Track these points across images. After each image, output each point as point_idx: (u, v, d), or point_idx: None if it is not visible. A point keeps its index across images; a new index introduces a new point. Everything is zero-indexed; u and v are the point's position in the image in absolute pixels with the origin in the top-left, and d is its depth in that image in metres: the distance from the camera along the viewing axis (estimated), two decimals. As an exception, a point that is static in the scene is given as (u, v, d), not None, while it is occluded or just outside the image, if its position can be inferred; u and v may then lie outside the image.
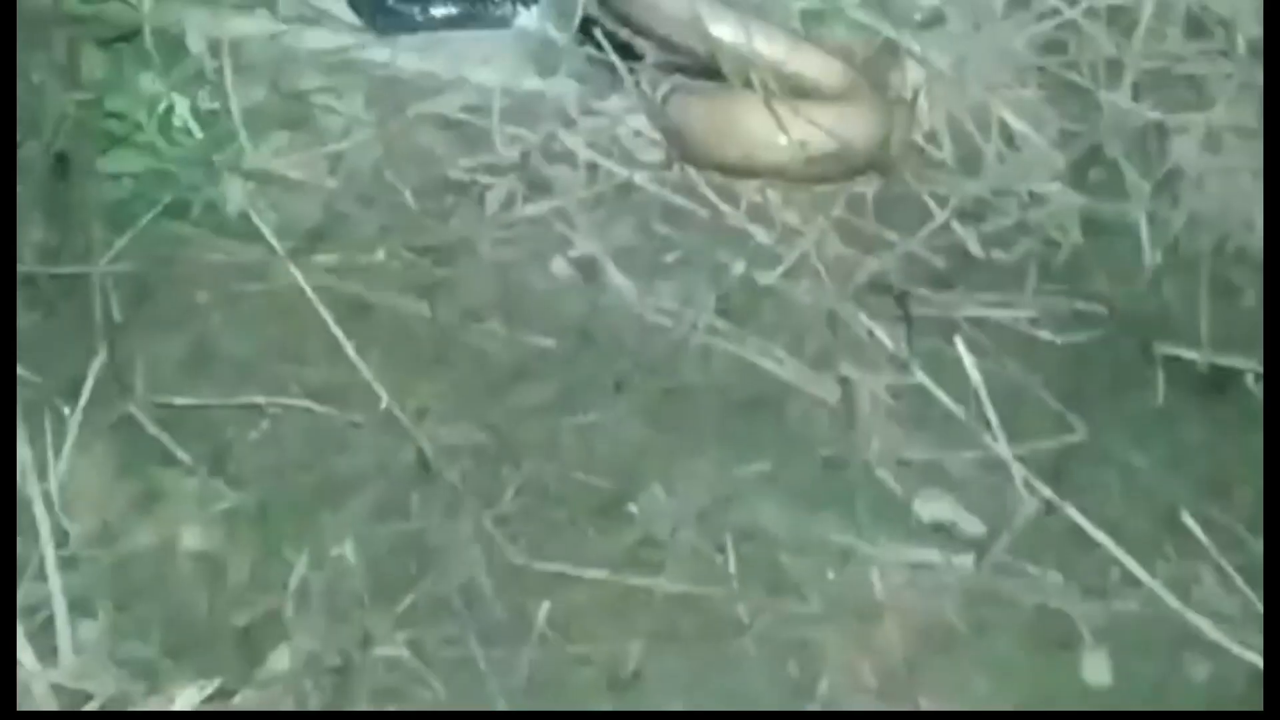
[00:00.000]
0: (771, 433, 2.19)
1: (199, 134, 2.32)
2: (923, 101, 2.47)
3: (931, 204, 2.40)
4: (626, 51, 2.48)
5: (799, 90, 2.45)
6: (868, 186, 2.45)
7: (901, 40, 2.49)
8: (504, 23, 2.57)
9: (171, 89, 2.32)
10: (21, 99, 2.34)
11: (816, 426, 2.21)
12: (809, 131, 2.39)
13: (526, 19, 2.55)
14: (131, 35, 2.32)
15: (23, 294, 2.17)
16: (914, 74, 2.49)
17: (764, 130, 2.40)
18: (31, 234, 2.30)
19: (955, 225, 2.40)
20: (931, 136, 2.47)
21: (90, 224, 2.30)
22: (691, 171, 2.43)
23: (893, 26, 2.51)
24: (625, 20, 2.52)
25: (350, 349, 2.14)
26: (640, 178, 2.43)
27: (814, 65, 2.50)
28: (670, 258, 2.36)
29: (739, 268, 2.33)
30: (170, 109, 2.32)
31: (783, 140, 2.39)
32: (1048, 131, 2.49)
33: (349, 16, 2.52)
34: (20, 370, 2.07)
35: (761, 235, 2.38)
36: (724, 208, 2.40)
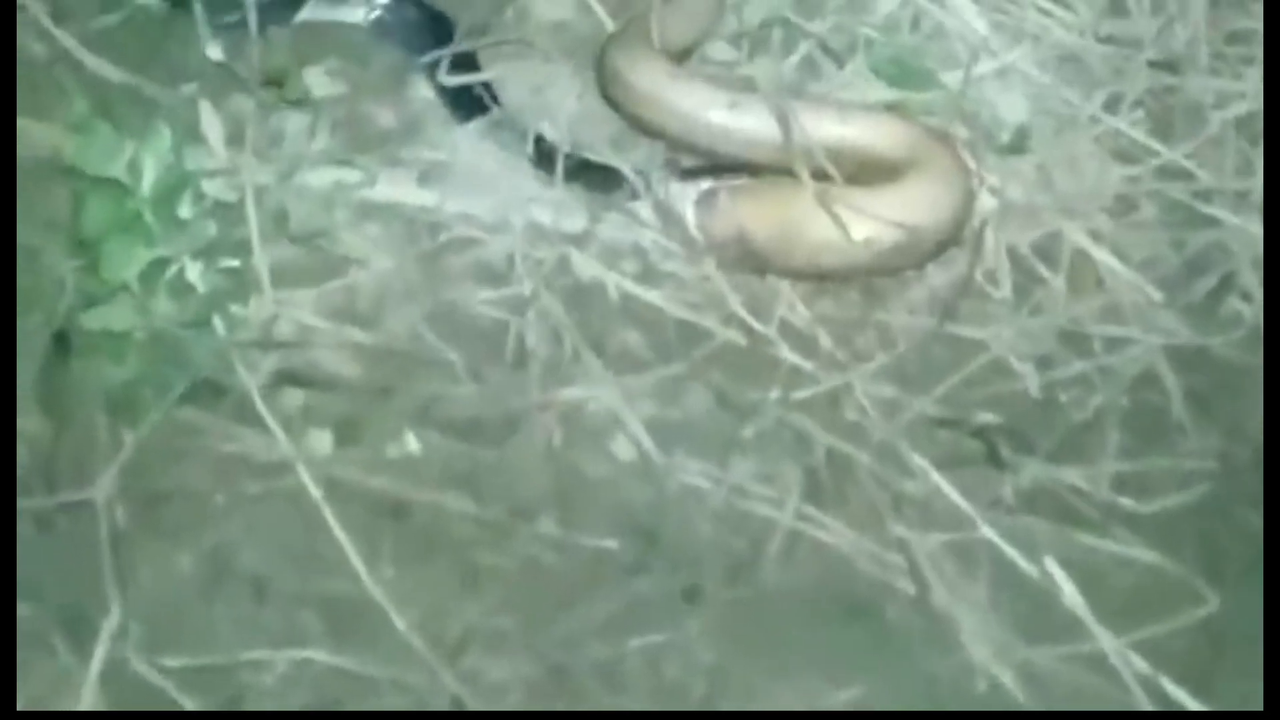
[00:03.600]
0: (868, 644, 1.91)
1: (207, 294, 2.00)
2: (989, 236, 2.13)
3: (990, 345, 2.12)
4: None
5: (862, 163, 2.16)
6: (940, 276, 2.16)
7: (979, 167, 2.14)
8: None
9: (179, 248, 1.99)
10: (19, 266, 2.08)
11: (916, 629, 1.93)
12: (874, 228, 2.09)
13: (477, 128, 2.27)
14: (135, 187, 2.00)
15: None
16: (985, 202, 2.15)
17: (825, 232, 2.12)
18: (28, 424, 2.02)
19: (1017, 367, 2.11)
20: (991, 276, 2.13)
21: (92, 414, 2.01)
22: (723, 284, 2.14)
23: (972, 152, 2.19)
24: (637, 123, 2.24)
25: (368, 581, 1.84)
26: (678, 307, 2.16)
27: (874, 134, 2.21)
28: (748, 431, 2.04)
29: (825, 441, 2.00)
30: (180, 271, 2.01)
31: (846, 242, 2.09)
32: (1143, 262, 2.18)
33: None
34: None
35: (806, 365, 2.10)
36: (759, 327, 2.14)
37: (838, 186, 2.14)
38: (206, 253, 2.03)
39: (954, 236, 2.14)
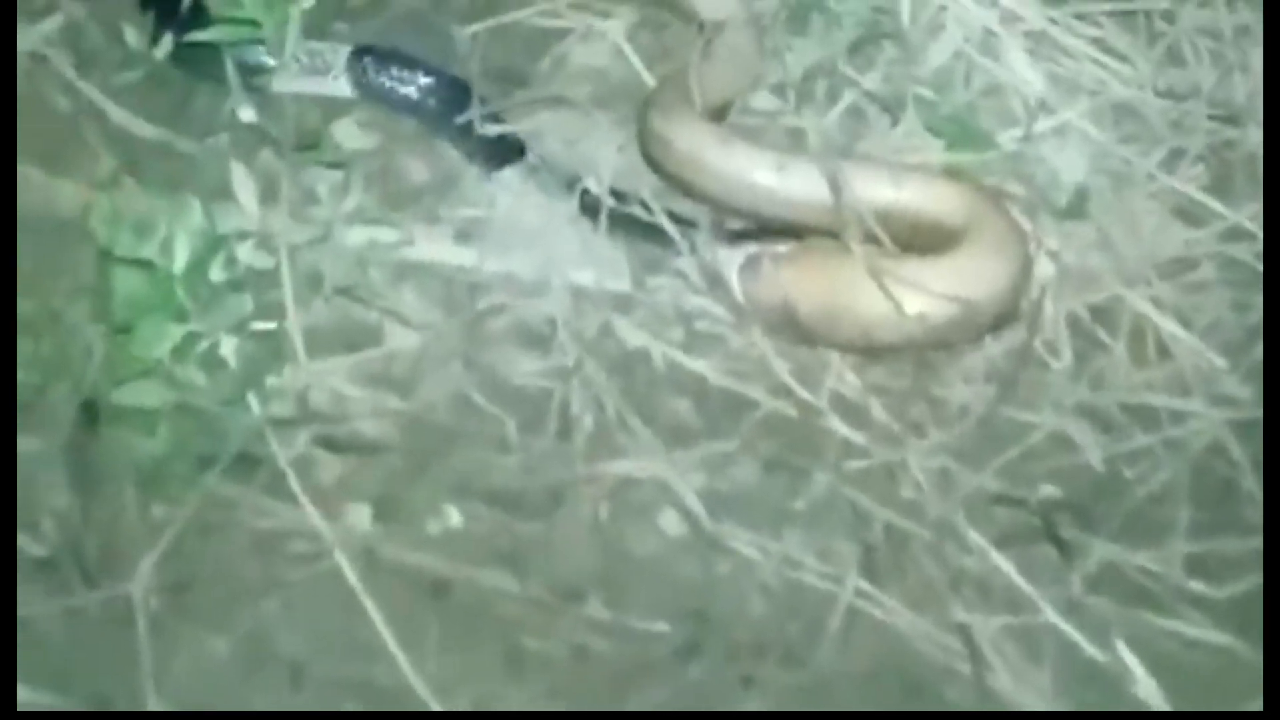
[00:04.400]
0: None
1: (240, 367, 1.92)
2: (1048, 304, 2.05)
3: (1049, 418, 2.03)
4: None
5: (915, 227, 2.08)
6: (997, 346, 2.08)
7: (1037, 231, 2.07)
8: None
9: (213, 324, 1.91)
10: (46, 329, 2.03)
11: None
12: (928, 301, 2.01)
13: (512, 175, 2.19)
14: (167, 265, 1.92)
15: (43, 582, 1.88)
16: (1043, 268, 2.07)
17: (875, 305, 2.03)
18: (54, 499, 1.96)
19: (1078, 440, 2.03)
20: (1050, 345, 2.05)
21: (122, 488, 1.94)
22: (770, 352, 2.06)
23: (1029, 215, 2.11)
24: (681, 186, 2.16)
25: (408, 668, 1.78)
26: (724, 376, 2.08)
27: (928, 198, 2.12)
28: (800, 503, 1.97)
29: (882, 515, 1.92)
30: (215, 345, 1.93)
31: (899, 316, 2.00)
32: (1205, 327, 2.12)
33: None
34: (35, 692, 1.74)
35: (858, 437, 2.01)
36: (808, 398, 2.06)
37: (889, 256, 2.05)
38: (240, 326, 1.93)
39: (1012, 310, 2.05)
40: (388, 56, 2.28)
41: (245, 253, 1.95)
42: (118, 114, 2.25)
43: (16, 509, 1.86)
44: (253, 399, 1.94)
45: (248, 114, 2.05)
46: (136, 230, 1.90)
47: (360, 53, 2.27)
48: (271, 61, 2.06)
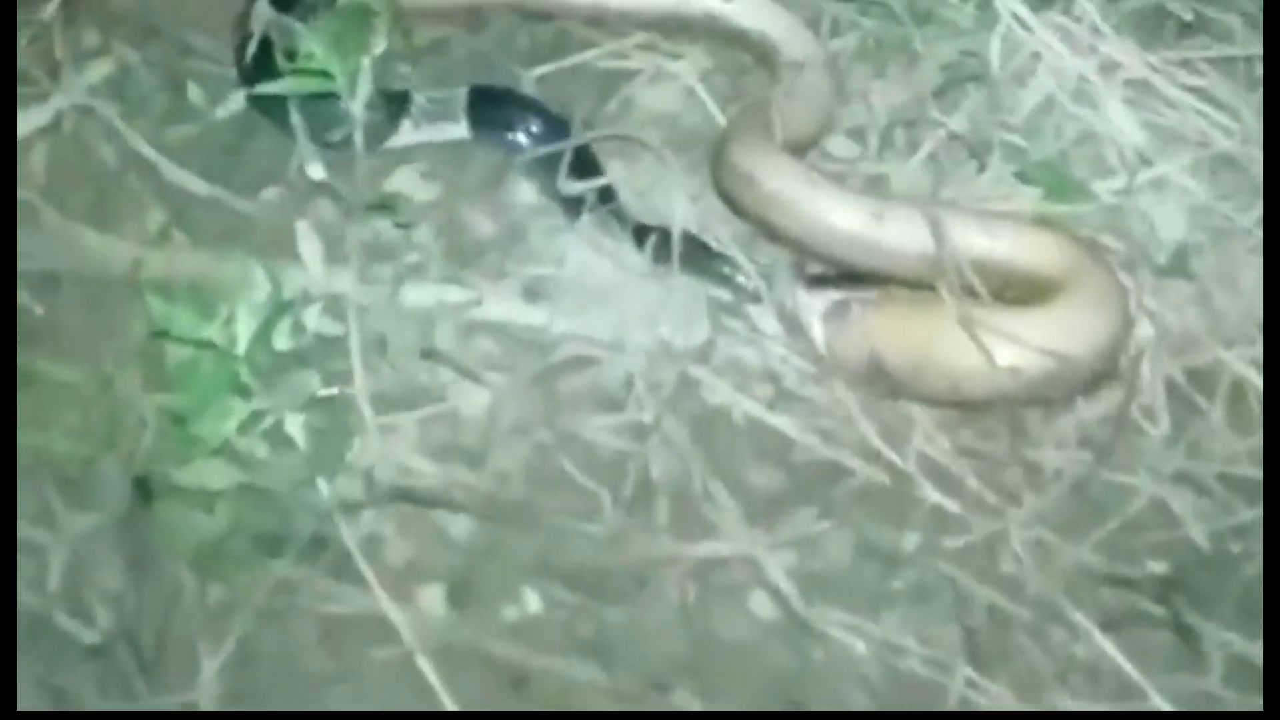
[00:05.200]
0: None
1: (308, 446, 1.80)
2: (1145, 366, 1.94)
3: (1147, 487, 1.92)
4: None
5: (1009, 279, 1.96)
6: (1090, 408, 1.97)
7: (1137, 290, 1.95)
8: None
9: (279, 403, 1.79)
10: (94, 398, 1.93)
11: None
12: (1022, 354, 1.90)
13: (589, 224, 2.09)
14: (230, 346, 1.80)
15: (96, 673, 1.79)
16: (1141, 328, 1.97)
17: (966, 357, 1.92)
18: (106, 580, 1.85)
19: (1178, 512, 1.93)
20: (1147, 409, 1.94)
21: (179, 570, 1.82)
22: (855, 410, 1.95)
23: (1128, 270, 1.99)
24: (763, 226, 2.06)
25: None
26: (809, 435, 1.97)
27: (1025, 249, 2.01)
28: (896, 581, 1.86)
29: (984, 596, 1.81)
30: (279, 423, 1.81)
31: (991, 369, 1.89)
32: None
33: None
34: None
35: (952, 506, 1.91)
36: (897, 461, 1.95)
37: (982, 306, 1.93)
38: (307, 403, 1.82)
39: (1110, 367, 1.94)
40: (504, 97, 2.20)
41: (312, 319, 1.82)
42: (170, 167, 2.11)
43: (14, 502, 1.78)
44: (319, 474, 1.80)
45: (316, 171, 1.93)
46: (194, 307, 1.76)
47: (477, 94, 2.18)
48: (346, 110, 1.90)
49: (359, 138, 1.84)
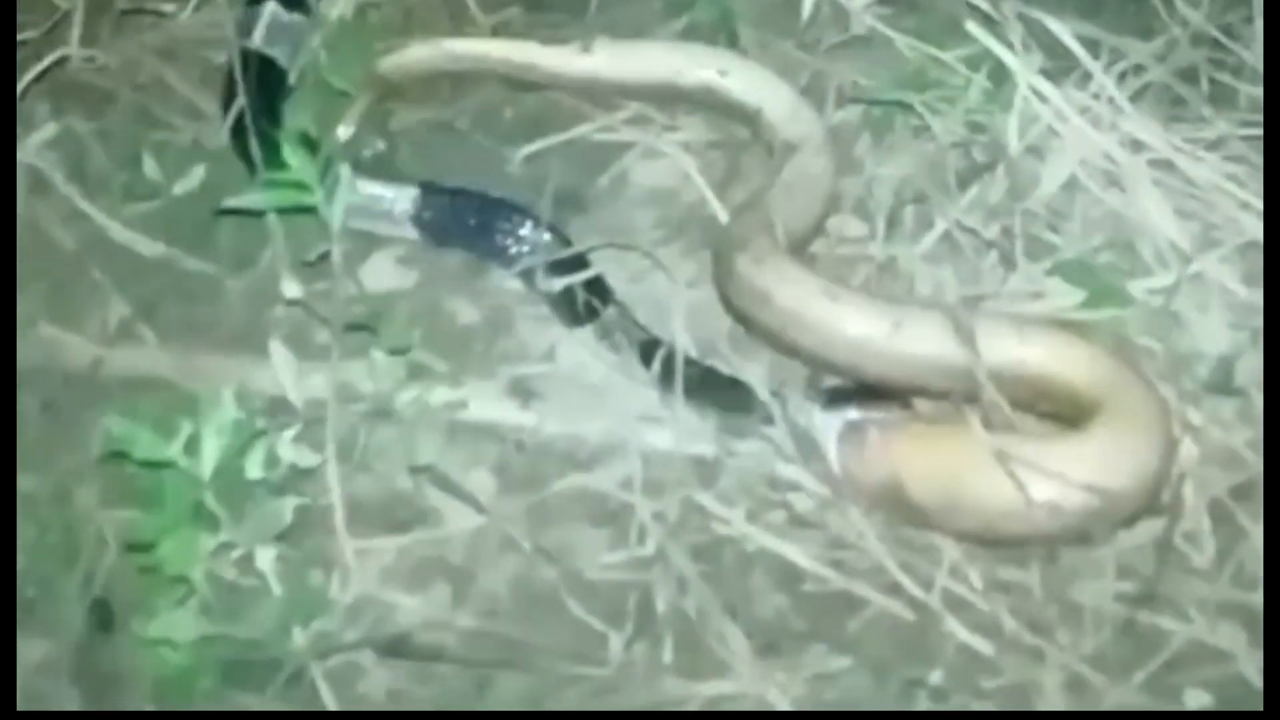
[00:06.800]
0: None
1: (283, 591, 1.67)
2: (1188, 490, 1.81)
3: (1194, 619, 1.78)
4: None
5: (1042, 393, 1.84)
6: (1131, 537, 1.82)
7: (1180, 407, 1.82)
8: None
9: (249, 537, 1.65)
10: (51, 512, 1.81)
11: None
12: (1060, 490, 1.74)
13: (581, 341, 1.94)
14: (194, 468, 1.66)
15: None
16: (1185, 452, 1.83)
17: (999, 492, 1.76)
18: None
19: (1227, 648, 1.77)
20: (1192, 536, 1.81)
21: (139, 705, 1.69)
22: (873, 540, 1.81)
23: (1167, 380, 1.86)
24: (774, 341, 1.91)
25: None
26: (824, 566, 1.82)
27: (1060, 362, 1.86)
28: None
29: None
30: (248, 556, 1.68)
31: (1028, 507, 1.74)
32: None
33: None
34: None
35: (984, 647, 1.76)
36: (921, 595, 1.80)
37: (1012, 429, 1.80)
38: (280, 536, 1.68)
39: (1153, 501, 1.80)
40: (458, 198, 2.02)
41: (286, 449, 1.68)
42: (141, 248, 1.97)
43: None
44: (294, 614, 1.66)
45: (292, 289, 1.78)
46: (157, 423, 1.62)
47: (428, 193, 2.00)
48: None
49: (337, 254, 1.68)
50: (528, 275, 1.95)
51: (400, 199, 1.96)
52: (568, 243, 1.96)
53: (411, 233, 1.97)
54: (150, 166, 2.01)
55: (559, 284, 1.93)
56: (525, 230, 1.97)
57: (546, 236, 1.95)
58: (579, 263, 1.95)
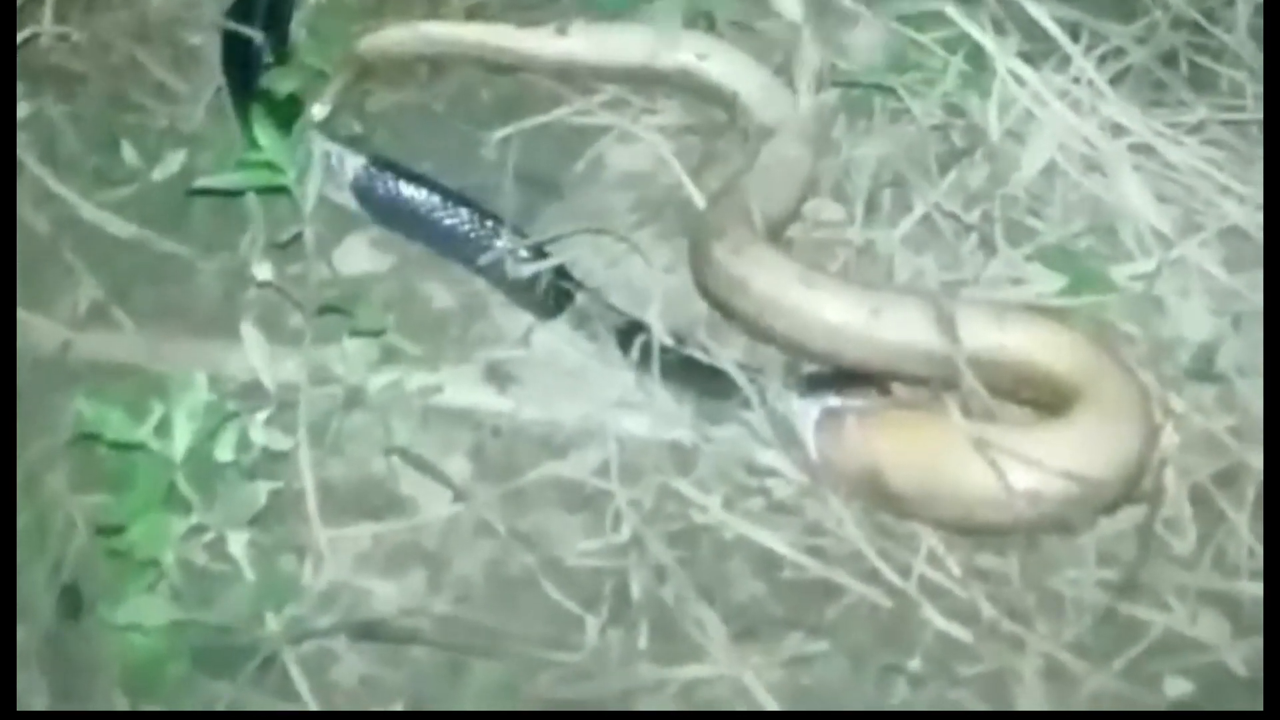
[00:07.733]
0: None
1: (256, 577, 1.65)
2: (1169, 477, 1.79)
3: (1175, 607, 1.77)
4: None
5: (1022, 379, 1.82)
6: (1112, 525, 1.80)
7: (1161, 393, 1.82)
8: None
9: (220, 520, 1.63)
10: (21, 497, 1.79)
11: None
12: (1040, 478, 1.72)
13: (556, 332, 1.92)
14: (166, 450, 1.64)
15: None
16: (1166, 439, 1.81)
17: (978, 481, 1.75)
18: (33, 699, 1.67)
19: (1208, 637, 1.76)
20: (1173, 523, 1.79)
21: (108, 691, 1.66)
22: (851, 527, 1.79)
23: (1148, 366, 1.84)
24: (752, 328, 1.89)
25: None
26: (801, 553, 1.80)
27: (1041, 348, 1.83)
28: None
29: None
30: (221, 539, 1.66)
31: (1008, 496, 1.72)
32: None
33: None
34: None
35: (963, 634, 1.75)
36: (899, 582, 1.78)
37: (991, 416, 1.78)
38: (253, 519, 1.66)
39: (1134, 488, 1.78)
40: (406, 177, 1.98)
41: (258, 432, 1.66)
42: (114, 229, 1.95)
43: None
44: (266, 599, 1.64)
45: (263, 271, 1.76)
46: (128, 405, 1.60)
47: (376, 167, 1.96)
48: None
49: (309, 236, 1.66)
50: (485, 270, 1.92)
51: (349, 163, 1.92)
52: (524, 236, 1.92)
53: (352, 201, 1.93)
54: (129, 153, 1.98)
55: (523, 276, 1.89)
56: (476, 225, 1.93)
57: (501, 231, 1.92)
58: (539, 256, 1.91)
